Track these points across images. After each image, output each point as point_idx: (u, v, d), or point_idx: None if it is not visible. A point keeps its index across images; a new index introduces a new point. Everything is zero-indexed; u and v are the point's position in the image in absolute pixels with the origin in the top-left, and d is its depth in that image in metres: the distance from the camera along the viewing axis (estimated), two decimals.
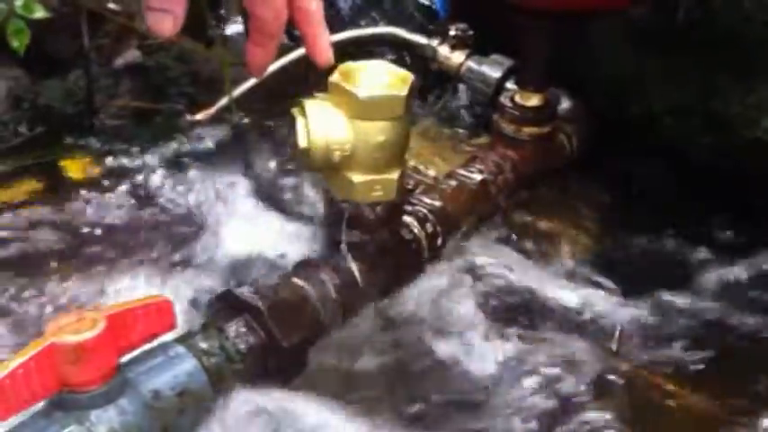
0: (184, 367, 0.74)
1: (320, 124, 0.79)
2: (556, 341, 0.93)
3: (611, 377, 0.89)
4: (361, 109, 0.78)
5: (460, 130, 1.25)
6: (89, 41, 1.25)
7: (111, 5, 1.26)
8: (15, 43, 1.17)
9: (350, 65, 0.81)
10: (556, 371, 0.89)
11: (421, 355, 0.90)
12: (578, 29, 1.05)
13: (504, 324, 0.94)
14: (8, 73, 1.25)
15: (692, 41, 1.02)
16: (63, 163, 1.21)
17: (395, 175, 0.82)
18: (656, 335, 0.94)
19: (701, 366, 0.90)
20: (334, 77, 0.80)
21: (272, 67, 1.25)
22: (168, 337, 0.75)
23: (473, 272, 0.97)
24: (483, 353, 0.90)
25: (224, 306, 0.80)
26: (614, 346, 0.92)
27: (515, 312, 0.96)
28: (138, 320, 0.71)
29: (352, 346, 0.88)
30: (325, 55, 0.74)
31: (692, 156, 1.05)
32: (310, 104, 0.80)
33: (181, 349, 0.75)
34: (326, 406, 0.78)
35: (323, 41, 0.73)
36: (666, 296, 0.98)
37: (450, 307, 0.93)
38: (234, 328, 0.78)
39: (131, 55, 1.31)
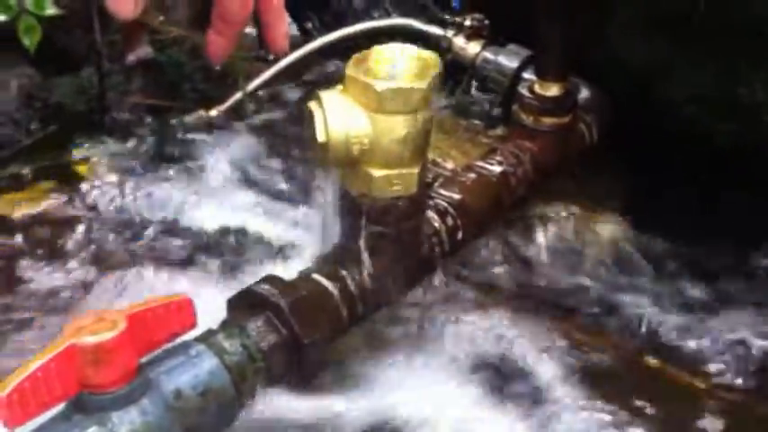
0: (206, 366, 0.73)
1: (339, 118, 0.77)
2: None
3: None
4: (381, 102, 0.76)
5: (477, 122, 1.24)
6: (101, 37, 1.23)
7: None
8: (27, 41, 1.17)
9: (367, 52, 0.79)
10: None
11: None
12: (598, 17, 1.04)
13: None
14: (20, 71, 1.23)
15: (713, 27, 1.00)
16: (75, 164, 1.20)
17: (416, 169, 0.80)
18: None
19: None
20: (352, 69, 0.78)
21: (287, 61, 1.26)
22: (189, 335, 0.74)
23: None
24: None
25: (245, 304, 0.79)
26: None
27: None
28: (158, 320, 0.70)
29: None
30: (281, 44, 0.74)
31: (716, 143, 1.03)
32: (328, 97, 0.78)
33: (202, 348, 0.74)
34: None
35: (280, 31, 0.73)
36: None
37: None
38: (255, 325, 0.77)
39: (144, 51, 1.29)
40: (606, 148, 1.09)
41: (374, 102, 0.77)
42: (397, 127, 0.77)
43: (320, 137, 0.78)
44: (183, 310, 0.71)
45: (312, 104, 0.79)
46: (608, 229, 1.04)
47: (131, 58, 1.30)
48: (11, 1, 1.16)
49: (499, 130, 1.21)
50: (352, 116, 0.77)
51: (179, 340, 0.73)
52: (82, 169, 1.19)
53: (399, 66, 0.78)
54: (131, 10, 0.64)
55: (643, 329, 0.93)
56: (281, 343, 0.77)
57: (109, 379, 0.66)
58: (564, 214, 1.04)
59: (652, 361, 0.90)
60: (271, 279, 0.81)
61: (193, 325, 0.73)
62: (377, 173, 0.80)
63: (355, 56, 0.79)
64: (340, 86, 0.79)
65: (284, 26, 0.73)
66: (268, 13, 0.71)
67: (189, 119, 1.25)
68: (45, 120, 1.24)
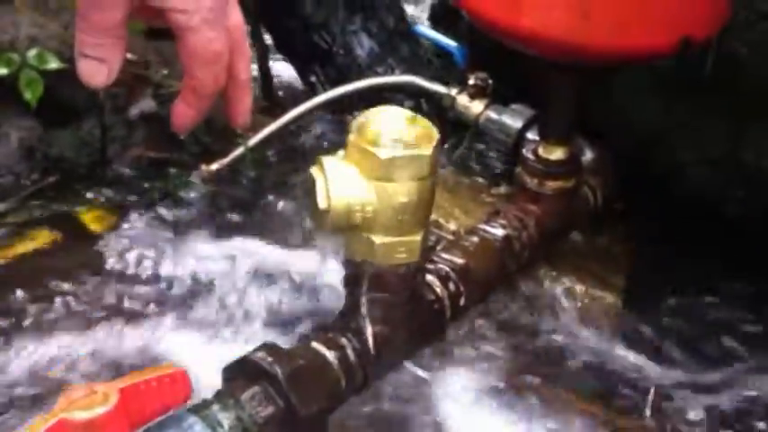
0: None
1: (340, 185, 0.76)
2: None
3: None
4: (384, 170, 0.75)
5: (480, 180, 1.23)
6: (103, 90, 1.23)
7: (126, 54, 1.24)
8: (28, 95, 1.16)
9: (368, 116, 0.77)
10: None
11: None
12: (604, 80, 1.03)
13: None
14: (20, 123, 1.23)
15: (720, 91, 0.99)
16: (81, 214, 1.19)
17: (418, 236, 0.78)
18: None
19: None
20: (354, 135, 0.77)
21: (290, 115, 1.25)
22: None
23: None
24: None
25: (240, 373, 0.77)
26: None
27: None
28: (151, 392, 0.68)
29: None
30: (243, 120, 0.73)
31: (723, 208, 1.02)
32: (330, 163, 0.77)
33: (195, 420, 0.72)
34: None
35: (244, 106, 0.73)
36: None
37: None
38: (251, 396, 0.75)
39: (146, 104, 1.29)
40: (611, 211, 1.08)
41: (377, 169, 0.75)
42: (401, 194, 0.76)
43: (321, 204, 0.76)
44: (176, 382, 0.70)
45: (314, 170, 0.77)
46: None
47: (134, 111, 1.31)
48: (12, 55, 1.16)
49: (503, 189, 1.20)
50: (354, 183, 0.76)
51: (172, 412, 0.72)
52: (87, 221, 1.19)
53: (403, 133, 0.77)
54: (103, 81, 0.64)
55: None
56: (277, 415, 0.75)
57: None
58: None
59: None
60: (268, 347, 0.79)
61: (187, 397, 0.71)
62: (379, 240, 0.78)
63: (358, 119, 0.77)
64: (342, 152, 0.78)
65: (248, 101, 0.72)
66: (235, 89, 0.71)
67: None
68: (46, 172, 1.23)
